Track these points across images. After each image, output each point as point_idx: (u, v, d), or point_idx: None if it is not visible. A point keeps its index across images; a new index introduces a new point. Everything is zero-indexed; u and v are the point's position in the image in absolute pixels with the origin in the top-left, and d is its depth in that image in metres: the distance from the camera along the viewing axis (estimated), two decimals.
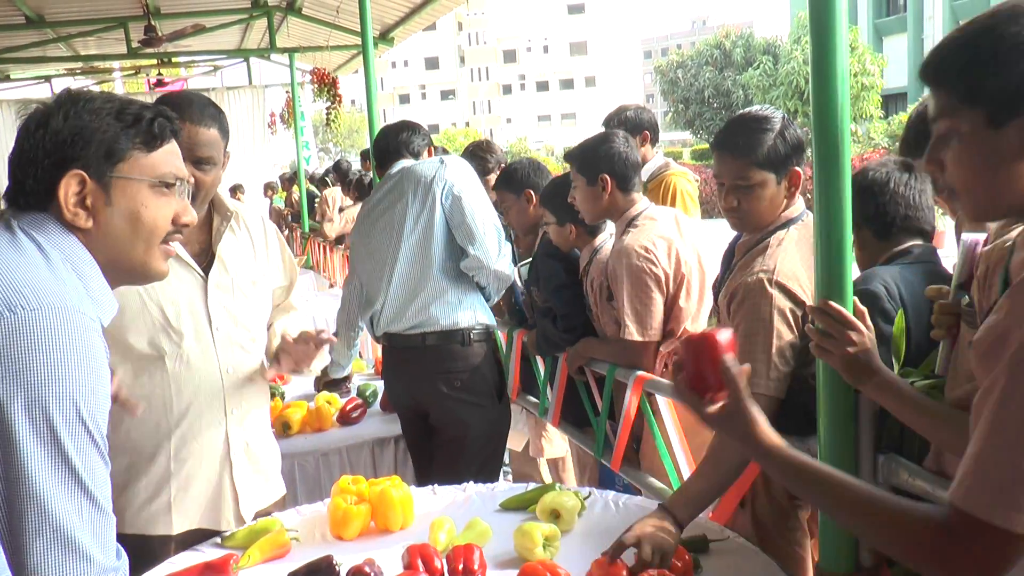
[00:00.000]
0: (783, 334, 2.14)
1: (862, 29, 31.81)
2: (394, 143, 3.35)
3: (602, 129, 3.63)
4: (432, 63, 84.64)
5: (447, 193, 3.07)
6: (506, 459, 4.18)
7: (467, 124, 75.24)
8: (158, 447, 2.18)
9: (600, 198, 3.00)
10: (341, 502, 2.27)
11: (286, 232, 11.73)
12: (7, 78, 12.68)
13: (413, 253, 3.09)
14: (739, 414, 1.43)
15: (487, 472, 3.06)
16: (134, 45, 9.32)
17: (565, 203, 3.13)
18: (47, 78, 12.99)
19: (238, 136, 13.60)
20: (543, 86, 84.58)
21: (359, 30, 5.60)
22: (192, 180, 2.02)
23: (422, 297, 3.08)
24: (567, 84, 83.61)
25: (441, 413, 3.14)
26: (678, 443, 2.71)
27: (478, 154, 4.49)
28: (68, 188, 1.29)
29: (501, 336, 3.88)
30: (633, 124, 4.02)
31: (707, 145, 30.51)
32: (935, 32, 30.30)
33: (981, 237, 1.71)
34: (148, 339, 2.13)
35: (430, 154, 3.37)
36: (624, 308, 2.90)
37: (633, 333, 2.88)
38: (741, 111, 2.36)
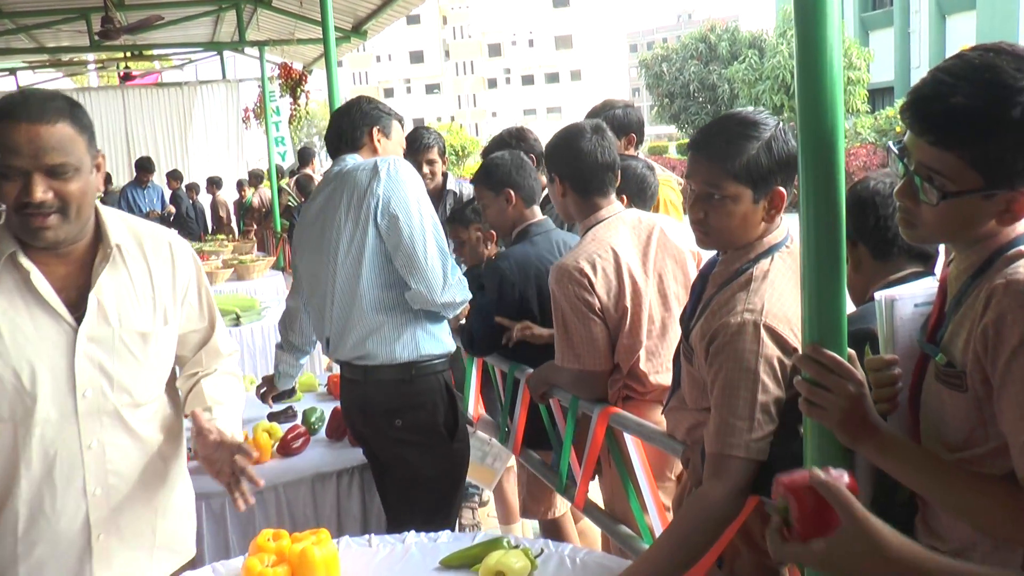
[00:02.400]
0: (769, 387, 1.81)
1: (848, 23, 31.61)
2: (345, 126, 2.84)
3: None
4: (417, 57, 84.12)
5: (382, 211, 2.61)
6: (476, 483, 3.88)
7: (452, 118, 74.76)
8: (4, 524, 1.82)
9: (557, 199, 2.79)
10: (256, 564, 1.99)
11: (255, 229, 11.39)
12: None
13: (347, 280, 2.69)
14: (860, 533, 1.16)
15: (439, 517, 2.70)
16: (95, 37, 8.95)
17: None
18: (11, 71, 12.59)
19: (212, 131, 13.28)
20: (528, 80, 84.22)
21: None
22: (49, 193, 1.69)
23: (357, 330, 2.70)
24: (553, 78, 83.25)
25: (386, 453, 2.82)
26: (646, 483, 2.41)
27: (510, 143, 4.07)
28: None
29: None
30: (620, 124, 3.70)
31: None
32: (921, 26, 30.10)
33: (898, 293, 1.51)
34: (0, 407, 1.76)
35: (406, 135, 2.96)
36: (557, 337, 2.65)
37: (571, 361, 2.63)
38: (732, 111, 2.03)
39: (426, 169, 4.49)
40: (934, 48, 28.79)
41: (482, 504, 4.65)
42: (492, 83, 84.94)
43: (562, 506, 3.33)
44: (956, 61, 1.28)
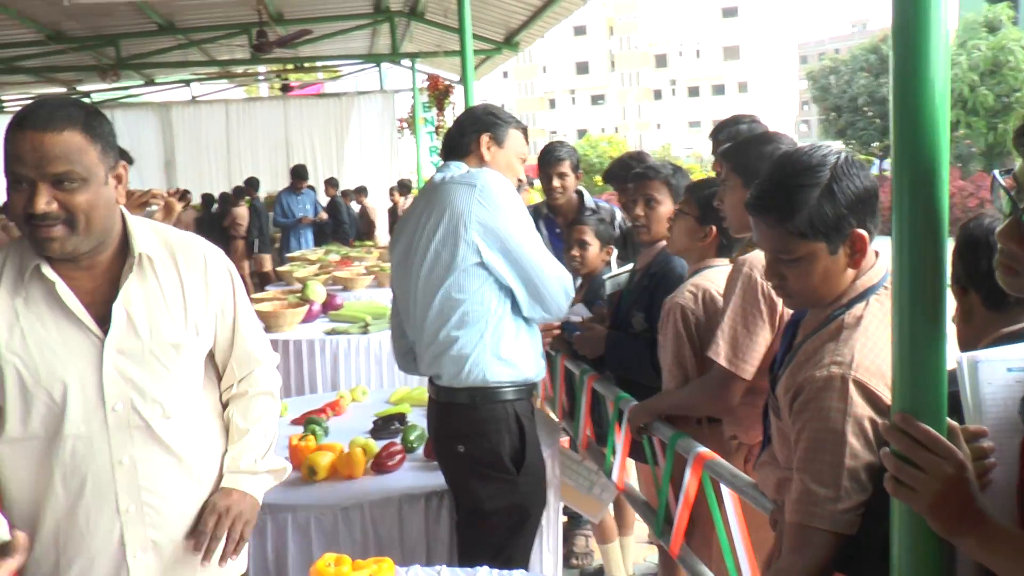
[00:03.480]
0: (858, 451, 1.57)
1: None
2: (456, 131, 2.72)
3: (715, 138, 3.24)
4: (582, 67, 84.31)
5: (481, 233, 2.47)
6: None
7: (616, 129, 74.48)
8: (48, 543, 1.80)
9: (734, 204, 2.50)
10: None
11: None
12: (151, 82, 13.17)
13: (425, 296, 2.58)
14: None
15: (506, 554, 2.56)
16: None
17: (710, 201, 2.63)
18: (186, 82, 13.41)
19: (367, 140, 13.69)
20: (694, 91, 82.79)
21: (482, 35, 5.34)
22: (53, 204, 1.65)
23: (433, 347, 2.59)
24: (719, 90, 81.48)
25: (448, 478, 2.70)
26: (740, 538, 2.18)
27: (632, 166, 3.95)
28: None
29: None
30: None
31: (859, 156, 28.81)
32: None
33: (985, 355, 1.24)
34: (34, 423, 1.75)
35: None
36: (723, 325, 2.40)
37: (720, 355, 2.38)
38: (784, 153, 1.80)
39: (556, 183, 4.46)
40: None
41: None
42: (657, 94, 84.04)
43: None
44: None
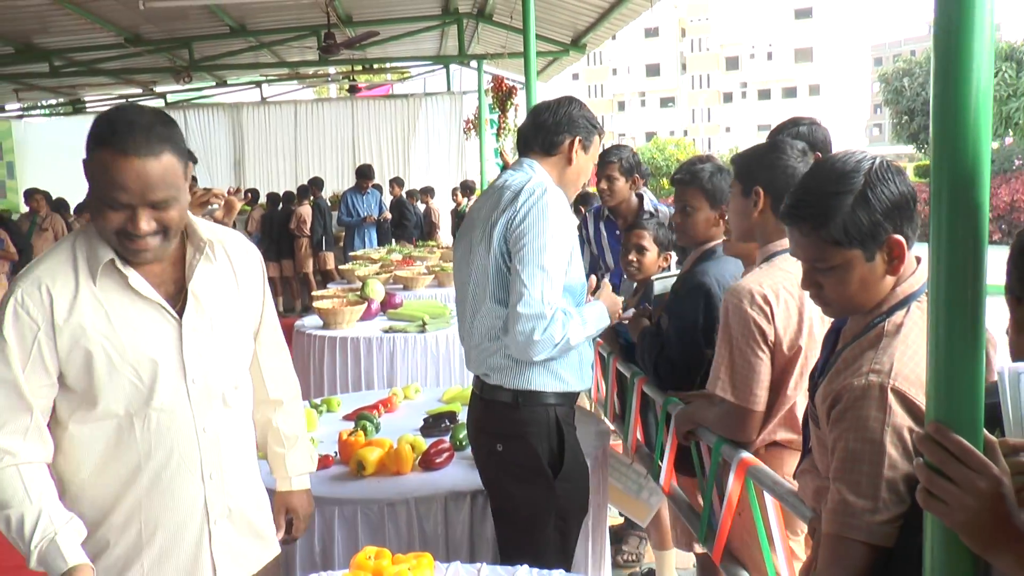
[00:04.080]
0: (897, 462, 1.53)
1: None
2: (548, 124, 2.63)
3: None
4: (653, 70, 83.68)
5: (512, 249, 2.46)
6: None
7: (685, 132, 73.77)
8: (129, 517, 1.88)
9: (750, 213, 2.48)
10: None
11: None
12: (224, 83, 13.49)
13: (475, 298, 2.59)
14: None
15: (547, 555, 2.54)
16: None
17: (751, 165, 2.55)
18: (257, 83, 13.70)
19: (434, 141, 13.82)
20: (765, 94, 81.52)
21: (549, 36, 5.36)
22: (152, 223, 1.73)
23: (481, 348, 2.60)
24: (790, 92, 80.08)
25: (486, 476, 2.71)
26: (781, 545, 2.15)
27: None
28: None
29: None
30: (804, 141, 3.40)
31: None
32: None
33: None
34: (117, 401, 1.82)
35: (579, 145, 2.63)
36: (719, 360, 2.39)
37: (726, 392, 2.37)
38: (817, 162, 1.77)
39: (603, 184, 4.55)
40: None
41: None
42: (727, 97, 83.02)
43: None
44: None
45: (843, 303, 1.70)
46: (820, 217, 1.63)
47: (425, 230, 12.57)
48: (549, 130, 2.63)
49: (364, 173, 11.33)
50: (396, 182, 12.58)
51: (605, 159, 4.50)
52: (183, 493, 1.90)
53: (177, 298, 1.89)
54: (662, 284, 3.49)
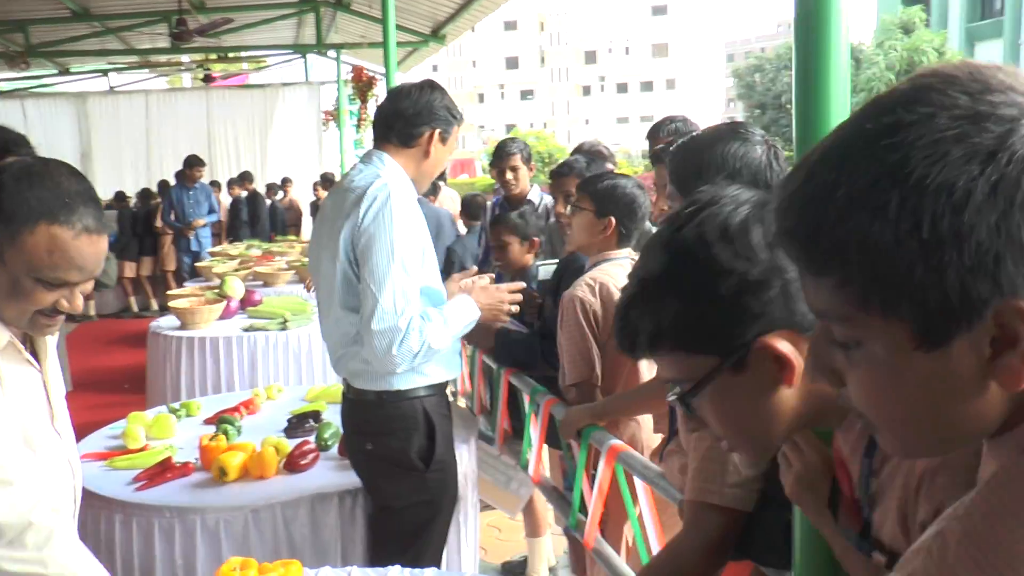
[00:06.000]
0: None
1: (953, 34, 30.32)
2: (406, 114, 2.51)
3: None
4: (512, 62, 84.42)
5: (358, 248, 2.38)
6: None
7: (544, 125, 74.75)
8: None
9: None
10: None
11: None
12: (67, 71, 12.72)
13: (326, 301, 2.53)
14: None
15: (416, 549, 2.53)
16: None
17: (606, 194, 2.77)
18: (104, 71, 12.99)
19: (293, 133, 13.46)
20: (623, 88, 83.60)
21: (408, 27, 5.28)
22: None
23: (339, 353, 2.54)
24: (647, 86, 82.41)
25: (361, 474, 2.66)
26: (653, 528, 2.19)
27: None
28: None
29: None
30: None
31: (786, 152, 29.57)
32: None
33: None
34: None
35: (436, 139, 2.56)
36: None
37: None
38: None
39: (509, 176, 4.76)
40: None
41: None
42: (586, 90, 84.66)
43: None
44: None
45: None
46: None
47: (288, 223, 12.19)
48: (408, 120, 2.53)
49: (190, 163, 10.34)
50: (242, 179, 12.00)
51: (505, 151, 4.74)
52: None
53: (26, 344, 1.67)
54: (545, 270, 3.51)
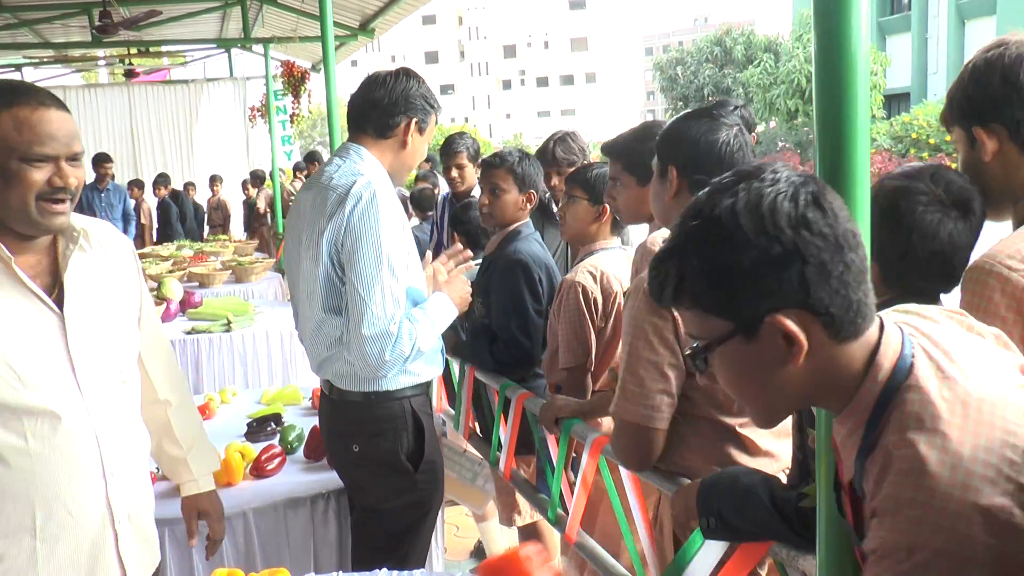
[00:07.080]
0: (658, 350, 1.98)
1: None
2: (382, 103, 2.41)
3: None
4: (432, 57, 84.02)
5: (343, 250, 2.32)
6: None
7: (466, 119, 74.58)
8: (19, 524, 1.69)
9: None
10: None
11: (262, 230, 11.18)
12: None
13: (308, 303, 2.43)
14: None
15: (402, 552, 2.48)
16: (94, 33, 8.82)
17: (598, 182, 2.82)
18: (17, 67, 12.46)
19: (219, 129, 13.13)
20: (543, 81, 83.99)
21: (337, 21, 5.17)
22: (73, 179, 1.68)
23: (322, 356, 2.46)
24: (567, 80, 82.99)
25: (345, 478, 2.61)
26: (639, 516, 2.19)
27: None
28: None
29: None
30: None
31: None
32: (939, 31, 29.70)
33: None
34: None
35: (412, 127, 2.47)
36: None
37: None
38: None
39: (455, 173, 4.81)
40: (952, 54, 28.38)
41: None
42: (507, 84, 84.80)
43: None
44: None
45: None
46: None
47: (217, 222, 11.88)
48: (383, 110, 2.44)
49: (97, 160, 9.79)
50: (160, 181, 11.57)
51: (452, 149, 4.76)
52: (84, 493, 1.75)
53: (52, 290, 1.75)
54: (469, 274, 3.40)
